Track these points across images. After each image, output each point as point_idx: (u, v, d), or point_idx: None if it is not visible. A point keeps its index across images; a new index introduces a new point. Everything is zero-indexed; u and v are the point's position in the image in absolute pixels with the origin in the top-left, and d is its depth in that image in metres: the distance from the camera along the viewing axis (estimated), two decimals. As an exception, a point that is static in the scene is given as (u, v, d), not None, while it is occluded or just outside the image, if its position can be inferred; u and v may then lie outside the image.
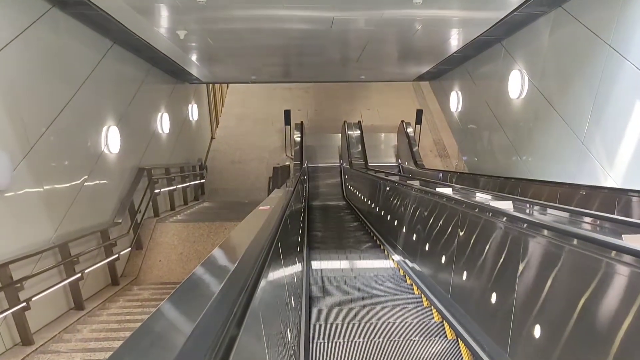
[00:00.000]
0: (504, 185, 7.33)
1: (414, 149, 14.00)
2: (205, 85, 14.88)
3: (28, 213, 5.54)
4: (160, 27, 7.50)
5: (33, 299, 5.06)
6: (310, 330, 3.90)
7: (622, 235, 1.91)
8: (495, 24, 7.20)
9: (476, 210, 3.49)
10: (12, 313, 4.81)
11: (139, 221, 8.57)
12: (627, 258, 1.77)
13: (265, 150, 16.52)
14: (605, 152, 5.30)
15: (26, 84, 5.54)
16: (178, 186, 11.14)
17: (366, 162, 14.03)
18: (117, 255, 7.38)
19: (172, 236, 8.83)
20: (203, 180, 13.73)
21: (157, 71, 10.17)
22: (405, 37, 8.54)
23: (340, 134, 16.13)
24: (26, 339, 5.02)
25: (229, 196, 14.32)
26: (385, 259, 6.88)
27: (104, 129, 7.49)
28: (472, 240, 3.51)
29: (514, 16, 6.73)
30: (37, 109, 5.74)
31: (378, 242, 8.04)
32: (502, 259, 2.90)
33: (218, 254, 1.89)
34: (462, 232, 3.76)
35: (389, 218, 7.15)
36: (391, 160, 15.67)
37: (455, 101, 11.08)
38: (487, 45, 8.58)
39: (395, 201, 6.78)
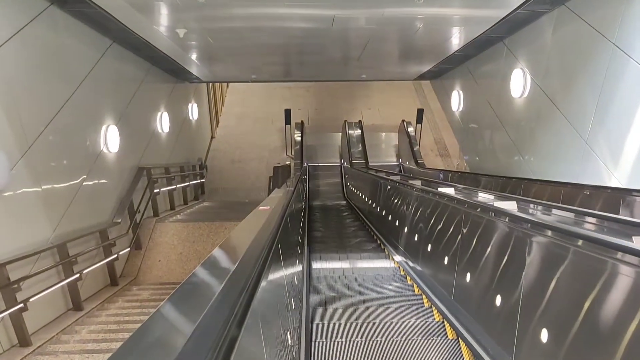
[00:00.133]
0: (506, 185, 7.27)
1: (415, 149, 13.95)
2: (205, 84, 14.82)
3: (26, 213, 5.49)
4: (160, 25, 7.44)
5: (31, 299, 5.01)
6: (310, 332, 3.85)
7: (633, 238, 1.85)
8: (498, 23, 7.14)
9: (481, 211, 3.43)
10: (10, 314, 4.76)
11: (138, 221, 8.52)
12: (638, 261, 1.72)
13: (265, 150, 16.47)
14: (609, 152, 5.24)
15: (24, 82, 5.49)
16: (178, 186, 11.09)
17: (367, 162, 13.98)
18: (116, 256, 7.33)
19: (171, 236, 8.78)
20: (203, 180, 13.68)
21: (157, 70, 10.11)
22: (406, 36, 8.48)
23: (340, 133, 16.08)
24: (24, 340, 4.97)
25: (229, 196, 14.27)
26: (386, 258, 6.85)
27: (103, 128, 7.44)
28: (477, 242, 3.45)
29: (517, 14, 6.66)
30: (35, 108, 5.68)
31: (378, 241, 8.00)
32: (507, 261, 2.85)
33: (218, 255, 1.87)
34: (466, 233, 3.71)
35: (390, 218, 7.10)
36: (392, 160, 15.62)
37: (457, 100, 11.02)
38: (489, 44, 8.52)
39: (396, 201, 6.73)
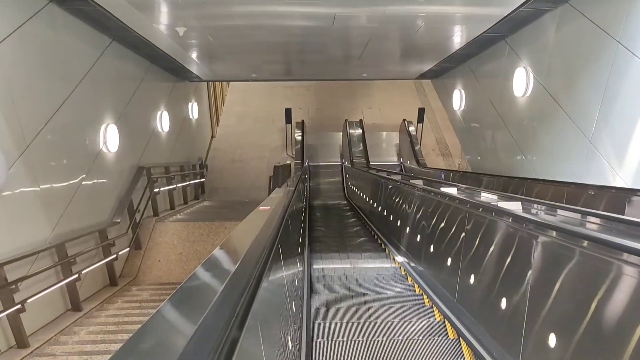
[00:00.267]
0: (508, 185, 7.21)
1: (416, 148, 13.89)
2: (205, 83, 14.77)
3: (24, 213, 5.44)
4: (160, 23, 7.39)
5: (28, 300, 4.96)
6: (311, 332, 3.80)
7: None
8: (500, 21, 7.08)
9: (486, 211, 3.38)
10: (7, 315, 4.71)
11: (137, 221, 8.47)
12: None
13: (266, 149, 16.42)
14: (614, 151, 5.18)
15: (22, 80, 5.43)
16: (178, 185, 11.04)
17: (368, 161, 13.93)
18: (115, 256, 7.28)
19: (171, 236, 8.72)
20: (203, 179, 13.63)
21: (157, 69, 10.06)
22: (407, 35, 8.42)
23: (341, 133, 16.03)
24: (21, 341, 4.92)
25: (230, 195, 14.23)
26: (387, 257, 6.80)
27: (103, 127, 7.38)
28: (482, 243, 3.39)
29: (519, 12, 6.60)
30: (33, 107, 5.63)
31: (379, 241, 7.95)
32: (513, 263, 2.79)
33: (217, 256, 1.85)
34: (470, 234, 3.65)
35: (391, 218, 7.04)
36: (393, 159, 15.56)
37: (458, 99, 10.96)
38: (491, 43, 8.46)
39: (398, 201, 6.68)
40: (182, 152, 12.15)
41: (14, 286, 4.79)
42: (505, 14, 6.77)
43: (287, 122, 15.73)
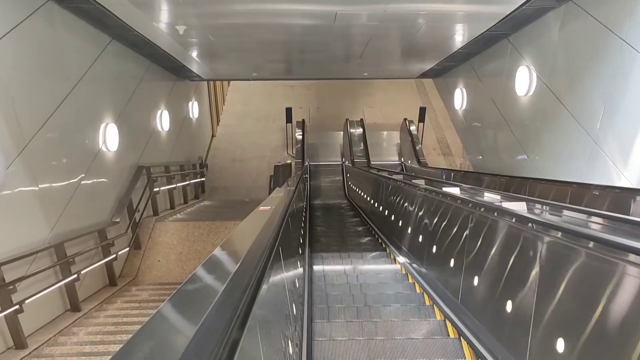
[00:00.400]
0: (510, 184, 7.15)
1: (417, 147, 13.83)
2: (206, 82, 14.72)
3: (22, 212, 5.39)
4: (159, 22, 7.33)
5: (27, 301, 4.91)
6: (312, 333, 3.76)
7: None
8: (503, 19, 7.02)
9: (492, 212, 3.32)
10: (5, 316, 4.66)
11: (137, 220, 8.43)
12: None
13: (266, 149, 16.37)
14: (618, 150, 5.12)
15: (21, 79, 5.38)
16: (178, 184, 10.99)
17: (368, 161, 13.88)
18: (114, 255, 7.23)
19: (171, 235, 8.67)
20: (203, 179, 13.59)
21: (157, 68, 10.00)
22: (409, 33, 8.36)
23: (342, 132, 15.98)
24: (19, 342, 4.87)
25: (230, 194, 14.19)
26: (387, 257, 6.76)
27: (102, 126, 7.33)
28: (486, 244, 3.34)
29: (522, 11, 6.54)
30: (32, 105, 5.58)
31: (379, 240, 7.91)
32: (520, 265, 2.73)
33: (216, 258, 1.83)
34: (474, 235, 3.59)
35: (392, 218, 6.99)
36: (394, 159, 15.51)
37: (460, 99, 10.90)
38: (493, 41, 8.40)
39: (399, 201, 6.62)
40: (183, 151, 12.10)
41: (11, 287, 4.74)
42: (508, 12, 6.71)
43: (287, 122, 15.68)
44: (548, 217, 2.84)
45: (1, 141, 4.94)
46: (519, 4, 6.33)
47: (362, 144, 14.80)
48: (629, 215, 4.20)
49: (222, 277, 1.46)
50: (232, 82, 18.73)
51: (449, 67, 11.12)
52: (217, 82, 16.91)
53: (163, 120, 10.32)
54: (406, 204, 6.17)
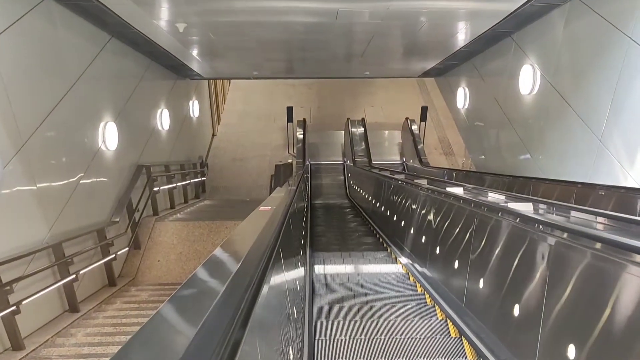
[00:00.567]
0: (513, 184, 7.07)
1: (419, 147, 13.76)
2: (206, 81, 14.65)
3: (20, 212, 5.32)
4: (159, 19, 7.26)
5: (24, 301, 4.84)
6: (313, 334, 3.70)
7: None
8: (506, 17, 6.93)
9: (497, 213, 3.25)
10: (1, 317, 4.59)
11: (137, 220, 8.36)
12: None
13: (267, 148, 16.31)
14: (625, 150, 5.04)
15: (19, 77, 5.31)
16: (178, 184, 10.92)
17: (370, 160, 13.81)
18: (114, 255, 7.16)
19: (171, 235, 8.61)
20: (204, 178, 13.52)
21: (157, 66, 9.94)
22: (411, 31, 8.28)
23: (343, 132, 15.91)
24: (16, 343, 4.80)
25: (231, 194, 14.13)
26: (389, 257, 6.69)
27: (101, 125, 7.26)
28: (491, 245, 3.26)
29: (526, 8, 6.45)
30: (30, 104, 5.51)
31: (381, 240, 7.85)
32: (528, 267, 2.66)
33: (217, 258, 1.81)
34: (478, 236, 3.52)
35: (394, 218, 6.92)
36: (395, 158, 15.44)
37: (462, 98, 10.82)
38: (496, 40, 8.32)
39: (401, 201, 6.55)
40: (183, 150, 12.04)
41: (8, 287, 4.67)
42: (512, 10, 6.63)
43: (288, 121, 15.61)
44: (558, 218, 2.76)
45: (-2, 140, 4.87)
46: (523, 1, 6.25)
47: (363, 144, 14.73)
48: (636, 215, 4.12)
49: (222, 277, 1.44)
50: (233, 81, 18.67)
51: (451, 65, 11.04)
52: (218, 81, 16.85)
53: (163, 119, 10.26)
54: (408, 204, 6.10)
